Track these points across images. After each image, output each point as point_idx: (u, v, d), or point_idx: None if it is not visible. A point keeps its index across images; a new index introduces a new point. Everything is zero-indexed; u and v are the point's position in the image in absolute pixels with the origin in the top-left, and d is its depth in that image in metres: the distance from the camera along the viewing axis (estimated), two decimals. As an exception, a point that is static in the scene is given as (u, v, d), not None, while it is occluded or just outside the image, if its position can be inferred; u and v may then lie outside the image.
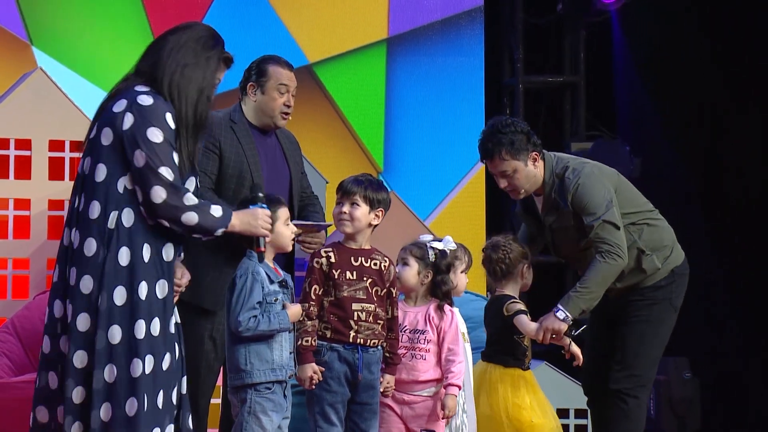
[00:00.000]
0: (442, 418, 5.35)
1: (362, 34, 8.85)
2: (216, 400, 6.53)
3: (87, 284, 4.47)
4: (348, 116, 8.78)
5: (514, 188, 5.76)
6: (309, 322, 5.09)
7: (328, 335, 5.12)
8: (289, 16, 8.68)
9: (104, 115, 4.56)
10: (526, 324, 5.59)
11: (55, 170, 7.33)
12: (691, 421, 8.76)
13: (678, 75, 9.49)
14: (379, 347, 5.21)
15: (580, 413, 7.72)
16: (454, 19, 9.02)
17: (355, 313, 5.13)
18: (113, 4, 8.29)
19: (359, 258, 5.19)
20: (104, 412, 4.44)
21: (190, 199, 4.52)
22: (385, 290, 5.23)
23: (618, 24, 9.62)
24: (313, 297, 5.11)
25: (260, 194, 4.88)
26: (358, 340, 5.14)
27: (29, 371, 6.76)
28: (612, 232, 5.65)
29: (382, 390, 5.23)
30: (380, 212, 5.22)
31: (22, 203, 7.32)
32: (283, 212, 5.01)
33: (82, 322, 4.47)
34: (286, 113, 5.75)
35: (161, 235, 4.53)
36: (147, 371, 4.45)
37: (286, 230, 5.02)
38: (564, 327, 5.60)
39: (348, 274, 5.14)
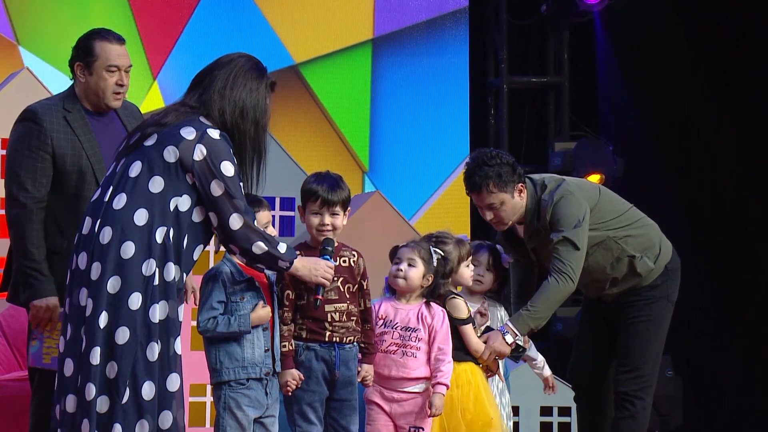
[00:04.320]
0: (429, 416, 5.37)
1: (348, 35, 8.88)
2: (200, 399, 6.57)
3: (114, 285, 4.46)
4: (333, 116, 8.82)
5: (500, 220, 5.74)
6: (285, 327, 5.06)
7: (304, 335, 5.11)
8: (275, 17, 8.71)
9: (167, 133, 4.57)
10: (473, 339, 5.55)
11: (42, 170, 7.34)
12: (673, 419, 8.82)
13: (660, 75, 9.54)
14: (355, 344, 5.23)
15: (563, 411, 7.76)
16: (439, 20, 9.06)
17: (329, 314, 5.12)
18: (100, 4, 8.31)
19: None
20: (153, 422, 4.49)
21: (260, 228, 4.64)
22: (356, 285, 5.24)
23: (601, 25, 9.67)
24: (287, 302, 5.08)
25: (328, 248, 5.00)
26: (334, 339, 5.15)
27: (15, 370, 6.77)
28: (570, 250, 5.65)
29: (360, 380, 5.25)
30: (348, 210, 5.27)
31: (9, 202, 7.33)
32: (263, 215, 5.02)
33: (103, 319, 4.46)
34: (119, 93, 5.34)
35: (190, 260, 4.61)
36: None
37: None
38: (509, 351, 5.59)
39: None
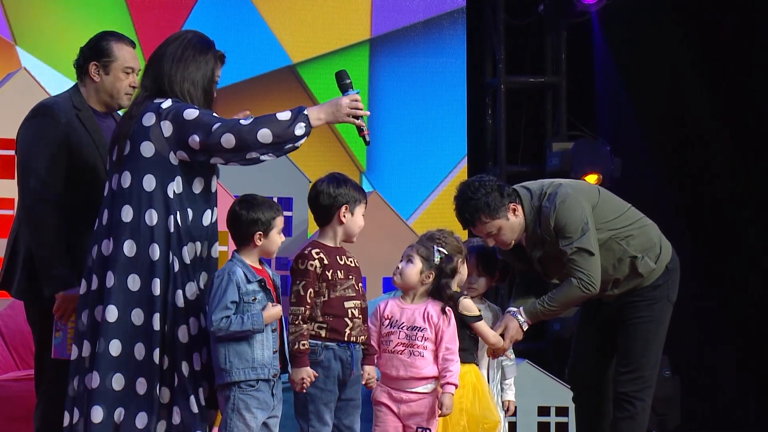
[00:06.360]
0: (439, 416, 5.37)
1: (345, 35, 8.88)
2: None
3: (156, 287, 4.78)
4: (331, 116, 8.81)
5: (502, 243, 5.75)
6: (305, 326, 5.06)
7: (323, 335, 5.11)
8: (273, 17, 8.71)
9: (135, 132, 4.83)
10: (489, 333, 5.61)
11: (39, 169, 7.33)
12: (670, 419, 8.82)
13: (658, 75, 9.55)
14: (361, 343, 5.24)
15: (560, 411, 7.77)
16: (437, 20, 9.06)
17: (349, 311, 5.14)
18: (97, 4, 8.31)
19: (342, 257, 5.21)
20: (186, 403, 4.80)
21: (246, 120, 4.77)
22: (360, 284, 5.28)
23: (599, 25, 9.67)
24: (308, 300, 5.08)
25: (348, 81, 4.97)
26: (352, 338, 5.16)
27: (13, 370, 6.77)
28: (587, 259, 5.68)
29: (364, 382, 5.25)
30: None
31: (6, 202, 7.32)
32: (280, 221, 5.03)
33: (157, 322, 4.80)
34: (129, 94, 5.44)
35: (212, 233, 4.89)
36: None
37: (278, 239, 5.03)
38: (522, 336, 5.74)
39: (339, 273, 5.14)
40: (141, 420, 4.79)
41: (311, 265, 5.10)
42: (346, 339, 5.13)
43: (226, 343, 4.90)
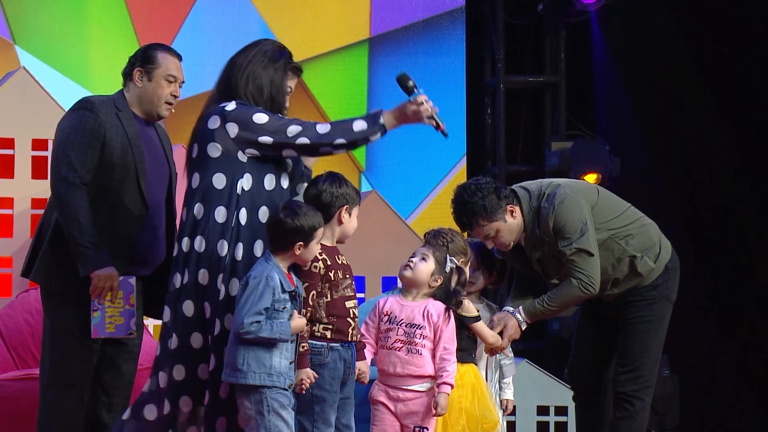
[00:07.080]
0: (434, 416, 5.37)
1: (345, 34, 8.88)
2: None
3: (219, 282, 4.99)
4: (330, 115, 8.81)
5: (501, 245, 5.77)
6: (305, 327, 5.08)
7: (329, 336, 5.10)
8: (272, 16, 8.71)
9: (201, 134, 5.03)
10: (487, 333, 5.62)
11: (38, 169, 7.35)
12: (670, 418, 8.82)
13: (657, 75, 9.55)
14: None
15: (560, 410, 7.77)
16: (436, 19, 9.06)
17: (350, 311, 5.14)
18: (96, 3, 8.31)
19: (339, 257, 5.21)
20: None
21: (323, 126, 4.99)
22: (353, 283, 5.27)
23: (597, 24, 9.67)
24: (311, 302, 5.07)
25: (411, 83, 5.16)
26: (353, 337, 5.16)
27: (12, 370, 6.77)
28: (586, 260, 5.69)
29: (356, 378, 5.25)
30: None
31: (6, 202, 7.34)
32: (321, 232, 5.02)
33: (218, 326, 5.00)
34: (171, 103, 5.63)
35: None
36: None
37: (315, 249, 5.03)
38: (519, 335, 5.77)
39: (339, 273, 5.13)
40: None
41: (315, 266, 5.09)
42: (349, 339, 5.13)
43: (246, 346, 4.88)
